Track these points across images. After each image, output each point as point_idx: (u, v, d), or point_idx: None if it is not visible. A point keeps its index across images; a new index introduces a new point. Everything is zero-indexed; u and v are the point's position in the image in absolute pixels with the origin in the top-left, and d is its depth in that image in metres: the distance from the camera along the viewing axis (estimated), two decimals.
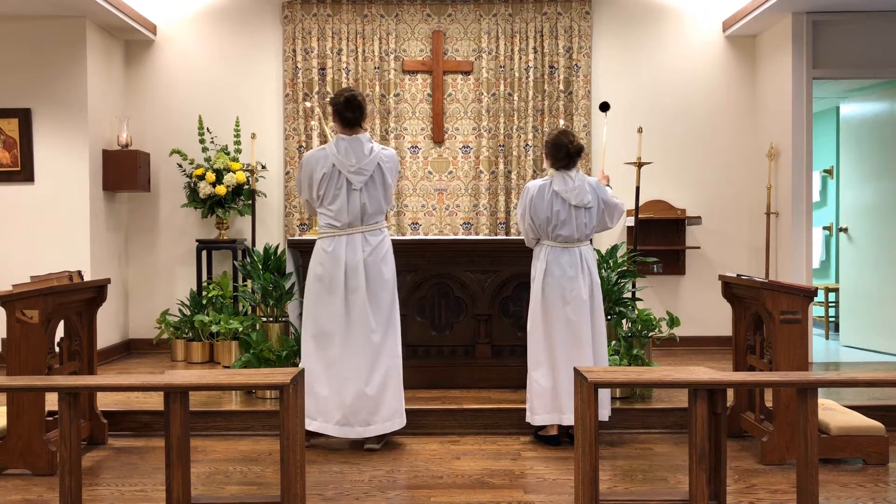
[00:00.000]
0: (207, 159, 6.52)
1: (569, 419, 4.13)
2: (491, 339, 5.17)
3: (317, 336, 4.09)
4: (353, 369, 4.05)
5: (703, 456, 2.93)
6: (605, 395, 4.26)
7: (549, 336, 4.22)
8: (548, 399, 4.20)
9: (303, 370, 3.22)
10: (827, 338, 7.62)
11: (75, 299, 4.12)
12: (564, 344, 4.19)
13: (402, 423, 4.16)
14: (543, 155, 4.41)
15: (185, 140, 6.70)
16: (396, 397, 4.13)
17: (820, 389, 4.12)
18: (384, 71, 6.79)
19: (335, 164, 4.04)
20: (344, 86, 6.71)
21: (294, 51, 6.76)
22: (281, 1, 6.80)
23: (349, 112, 4.05)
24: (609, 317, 4.98)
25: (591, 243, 4.38)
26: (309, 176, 4.11)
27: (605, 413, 4.26)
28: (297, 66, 6.74)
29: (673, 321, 5.18)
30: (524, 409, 4.51)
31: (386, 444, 4.27)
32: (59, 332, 4.13)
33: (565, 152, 4.21)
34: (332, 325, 4.06)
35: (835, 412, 4.15)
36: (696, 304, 6.84)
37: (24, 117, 6.01)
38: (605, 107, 5.33)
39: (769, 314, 3.92)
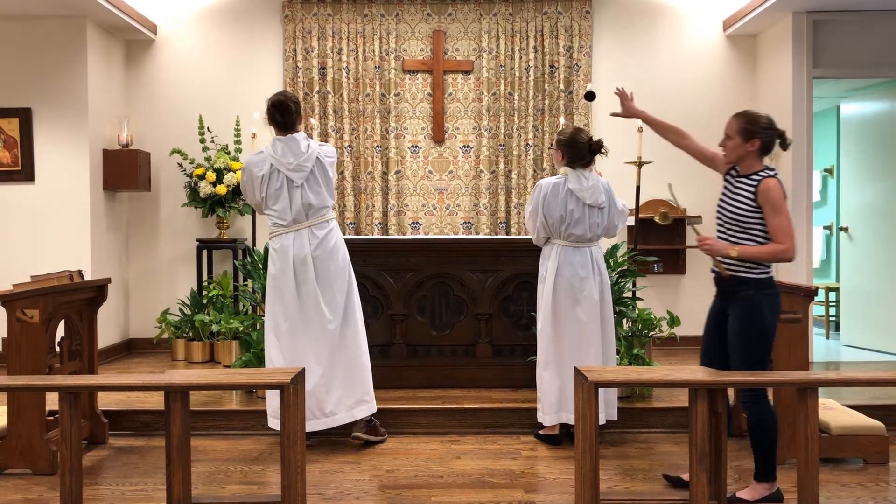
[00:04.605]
0: (208, 159, 6.52)
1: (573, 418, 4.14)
2: (491, 339, 5.17)
3: (276, 332, 4.15)
4: (313, 361, 4.09)
5: (703, 455, 2.93)
6: (612, 395, 4.26)
7: (558, 336, 4.22)
8: (557, 399, 4.20)
9: (302, 369, 3.22)
10: (827, 337, 7.62)
11: (76, 299, 4.13)
12: (574, 344, 4.19)
13: (369, 411, 4.21)
14: (554, 153, 4.35)
15: (185, 139, 6.70)
16: (362, 385, 4.18)
17: (820, 389, 4.12)
18: (384, 70, 6.79)
19: (273, 165, 4.10)
20: (345, 85, 6.71)
21: (294, 50, 6.76)
22: (281, 0, 6.80)
23: (279, 116, 4.12)
24: (613, 317, 4.98)
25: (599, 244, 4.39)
26: (250, 179, 4.18)
27: (612, 413, 4.26)
28: (297, 66, 6.74)
29: (673, 320, 5.18)
30: (525, 409, 4.52)
31: (383, 441, 4.30)
32: (60, 331, 4.13)
33: (587, 149, 4.19)
34: (288, 321, 4.13)
35: (835, 412, 4.15)
36: (696, 304, 6.82)
37: (24, 117, 6.00)
38: (590, 96, 5.06)
39: None
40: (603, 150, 4.22)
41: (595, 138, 4.25)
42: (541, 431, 4.34)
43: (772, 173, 3.36)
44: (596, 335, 4.20)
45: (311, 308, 4.11)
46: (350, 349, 4.17)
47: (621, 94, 3.95)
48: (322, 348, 4.12)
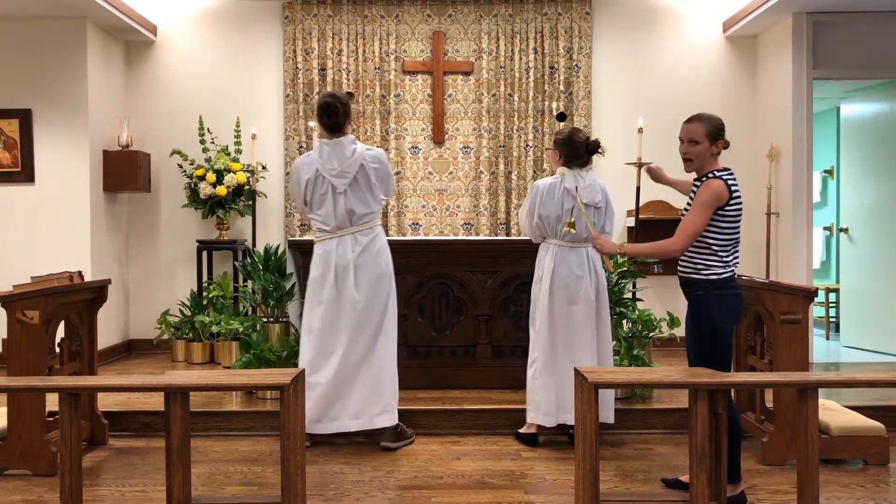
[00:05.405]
0: (208, 160, 6.52)
1: (572, 419, 4.12)
2: (491, 340, 5.17)
3: (310, 334, 4.16)
4: (339, 366, 4.09)
5: (703, 456, 2.93)
6: (608, 397, 4.25)
7: (554, 336, 4.21)
8: (550, 399, 4.20)
9: (303, 370, 3.23)
10: (827, 338, 7.62)
11: (76, 300, 4.12)
12: (570, 344, 4.18)
13: (391, 421, 4.18)
14: (552, 154, 4.36)
15: (185, 140, 6.70)
16: (383, 396, 4.16)
17: (820, 390, 4.12)
18: (384, 71, 6.79)
19: (318, 169, 4.09)
20: (344, 87, 6.71)
21: (294, 51, 6.76)
22: (281, 1, 6.80)
23: (326, 118, 4.11)
24: (610, 317, 4.98)
25: None
26: (297, 182, 4.17)
27: (608, 416, 4.23)
28: (297, 67, 6.74)
29: (673, 321, 5.18)
30: (525, 410, 4.51)
31: (411, 441, 4.33)
32: (60, 332, 4.13)
33: (584, 149, 4.20)
34: (323, 324, 4.13)
35: (835, 412, 4.15)
36: None
37: (24, 118, 6.00)
38: (561, 117, 4.98)
39: (769, 314, 3.92)
40: (600, 150, 4.23)
41: (592, 138, 4.26)
42: (520, 430, 4.35)
43: (720, 174, 3.34)
44: (591, 335, 4.19)
45: (346, 314, 4.10)
46: (379, 358, 4.16)
47: (651, 171, 3.94)
48: (351, 354, 4.11)
